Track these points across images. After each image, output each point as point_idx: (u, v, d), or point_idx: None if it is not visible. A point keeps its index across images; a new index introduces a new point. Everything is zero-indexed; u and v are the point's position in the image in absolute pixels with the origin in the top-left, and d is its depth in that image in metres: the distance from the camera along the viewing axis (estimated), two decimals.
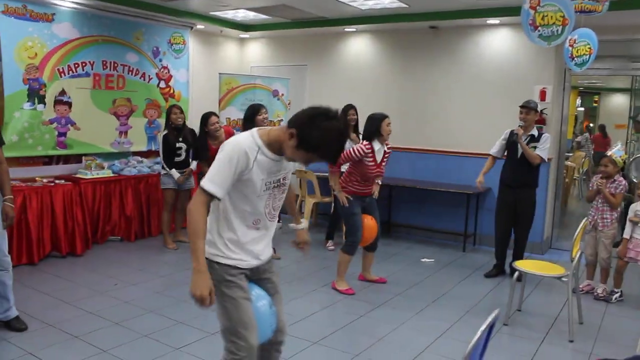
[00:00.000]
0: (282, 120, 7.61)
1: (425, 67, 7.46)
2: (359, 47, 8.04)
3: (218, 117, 6.34)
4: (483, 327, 2.22)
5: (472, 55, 7.12)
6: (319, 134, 2.31)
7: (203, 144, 6.16)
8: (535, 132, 5.56)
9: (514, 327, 4.48)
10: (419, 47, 7.50)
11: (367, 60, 7.97)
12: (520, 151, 5.51)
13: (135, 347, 3.86)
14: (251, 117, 5.67)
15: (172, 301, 4.77)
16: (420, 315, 4.68)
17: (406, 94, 7.59)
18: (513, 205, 5.67)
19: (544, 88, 6.63)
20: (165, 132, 6.35)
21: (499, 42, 6.94)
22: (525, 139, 5.52)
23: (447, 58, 7.29)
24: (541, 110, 6.45)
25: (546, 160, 5.60)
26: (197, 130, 6.37)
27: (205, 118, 6.18)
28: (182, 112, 6.42)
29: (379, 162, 5.11)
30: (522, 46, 6.70)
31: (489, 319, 2.28)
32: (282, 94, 7.63)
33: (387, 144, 5.22)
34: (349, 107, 6.53)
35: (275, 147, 2.46)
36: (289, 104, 7.80)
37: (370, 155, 5.03)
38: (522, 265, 4.55)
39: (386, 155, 5.23)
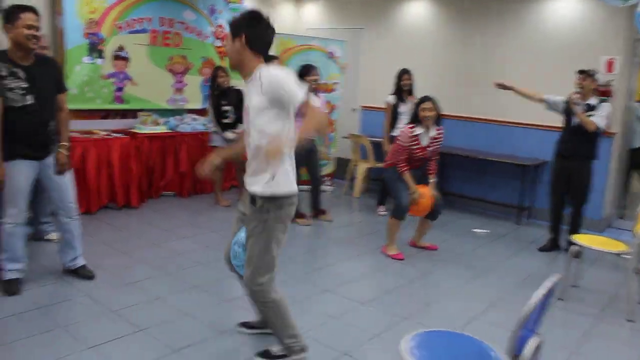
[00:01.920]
0: (336, 82, 7.52)
1: (485, 34, 7.19)
2: (417, 11, 7.83)
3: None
4: (541, 291, 2.15)
5: (534, 23, 6.81)
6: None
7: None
8: (593, 101, 5.23)
9: (569, 302, 4.33)
10: (479, 13, 7.23)
11: (424, 25, 7.76)
12: (576, 120, 5.20)
13: (186, 296, 3.93)
14: (301, 77, 5.62)
15: (221, 255, 4.82)
16: (471, 284, 4.60)
17: (463, 61, 7.38)
18: (567, 177, 5.41)
19: (611, 59, 6.30)
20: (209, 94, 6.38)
21: (564, 9, 6.60)
22: (582, 108, 5.22)
23: (508, 25, 7.00)
24: (608, 82, 6.16)
25: (603, 127, 5.15)
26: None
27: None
28: (227, 74, 6.40)
29: (425, 145, 5.00)
30: (589, 13, 6.36)
31: (548, 284, 2.21)
32: (338, 57, 7.53)
33: (438, 130, 5.06)
34: (403, 72, 6.39)
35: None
36: (344, 67, 7.69)
37: (414, 141, 4.96)
38: (580, 239, 4.40)
39: (434, 140, 5.07)
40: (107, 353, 3.08)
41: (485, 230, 6.24)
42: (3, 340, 3.13)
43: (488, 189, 7.25)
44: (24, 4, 3.60)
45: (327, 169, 7.71)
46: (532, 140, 6.80)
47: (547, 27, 6.72)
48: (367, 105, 8.34)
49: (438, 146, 5.14)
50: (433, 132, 5.01)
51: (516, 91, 5.56)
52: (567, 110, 5.32)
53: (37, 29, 3.58)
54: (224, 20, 7.49)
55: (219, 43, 7.50)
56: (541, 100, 5.52)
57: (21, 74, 3.60)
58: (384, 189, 6.77)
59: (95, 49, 6.19)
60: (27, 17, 3.52)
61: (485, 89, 6.91)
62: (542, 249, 5.65)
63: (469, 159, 7.07)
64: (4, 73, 3.54)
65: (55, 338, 3.21)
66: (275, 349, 3.07)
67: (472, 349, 2.34)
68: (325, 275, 4.56)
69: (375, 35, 8.23)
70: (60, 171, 3.88)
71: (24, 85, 3.60)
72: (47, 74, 3.77)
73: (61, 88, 3.91)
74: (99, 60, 6.24)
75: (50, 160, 3.85)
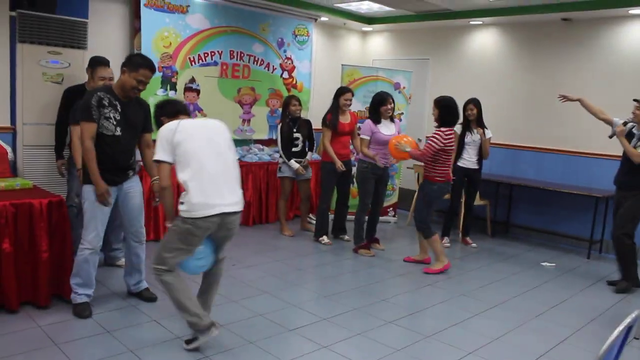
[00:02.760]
0: (402, 113, 7.50)
1: (556, 62, 7.04)
2: (484, 40, 7.76)
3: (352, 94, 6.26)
4: (620, 328, 2.03)
5: (608, 49, 6.62)
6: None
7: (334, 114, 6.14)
8: None
9: None
10: (549, 40, 7.10)
11: (492, 54, 7.67)
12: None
13: (250, 324, 3.94)
14: (377, 106, 5.70)
15: (287, 285, 4.85)
16: (539, 319, 4.42)
17: (534, 90, 7.22)
18: (621, 207, 5.23)
19: None
20: (281, 122, 6.48)
21: (638, 31, 6.39)
22: (637, 139, 5.02)
23: (581, 52, 6.83)
24: None
25: None
26: (316, 119, 6.44)
27: (340, 92, 6.18)
28: (300, 103, 6.50)
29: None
30: None
31: (626, 321, 2.09)
32: (404, 87, 7.52)
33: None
34: (468, 102, 6.30)
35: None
36: (409, 97, 7.67)
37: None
38: None
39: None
40: None
41: (552, 264, 6.00)
42: None
43: (557, 221, 7.02)
44: (150, 59, 3.95)
45: (391, 199, 7.65)
46: (604, 171, 6.53)
47: (622, 53, 6.52)
48: None
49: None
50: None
51: (583, 104, 5.39)
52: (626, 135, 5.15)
53: (145, 84, 3.90)
54: (291, 52, 7.65)
55: (286, 75, 7.66)
56: (607, 121, 5.30)
57: (119, 107, 3.85)
58: (447, 220, 6.64)
59: (168, 81, 6.43)
60: (143, 73, 3.83)
61: (557, 118, 6.75)
62: (610, 283, 5.43)
63: (537, 190, 6.88)
64: (105, 102, 3.79)
65: None
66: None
67: None
68: (388, 307, 4.48)
69: (441, 65, 8.20)
70: (154, 199, 4.12)
71: (118, 117, 3.84)
72: (138, 113, 4.03)
73: (148, 127, 4.15)
74: (171, 93, 6.48)
75: (128, 185, 4.04)
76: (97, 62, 4.82)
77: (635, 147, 5.00)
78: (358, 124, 6.29)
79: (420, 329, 4.05)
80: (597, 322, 4.42)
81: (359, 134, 5.93)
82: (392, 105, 5.85)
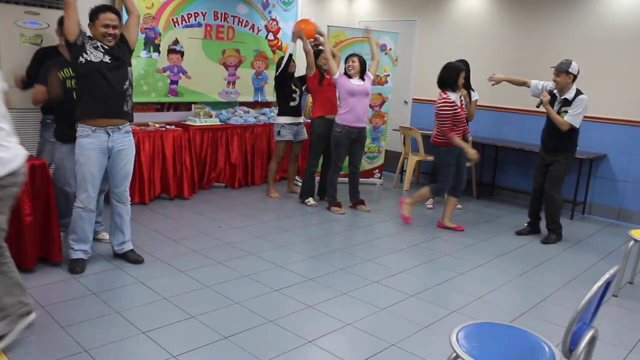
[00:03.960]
0: (388, 75, 7.46)
1: (542, 25, 6.99)
2: (471, 2, 7.67)
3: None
4: (599, 284, 2.07)
5: (596, 12, 6.57)
6: None
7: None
8: (571, 95, 5.21)
9: (624, 299, 4.20)
10: (537, 2, 7.03)
11: (480, 15, 7.60)
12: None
13: (236, 284, 3.98)
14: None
15: (273, 246, 4.88)
16: (521, 278, 4.50)
17: (521, 52, 7.19)
18: (546, 168, 5.50)
19: None
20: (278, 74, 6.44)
21: None
22: (558, 103, 5.29)
23: (569, 14, 6.78)
24: None
25: (577, 127, 5.23)
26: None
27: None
28: (295, 63, 6.53)
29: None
30: None
31: (605, 277, 2.13)
32: (390, 49, 7.46)
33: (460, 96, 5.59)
34: None
35: None
36: (396, 59, 7.62)
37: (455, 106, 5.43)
38: (637, 234, 4.24)
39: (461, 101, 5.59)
40: (159, 338, 3.14)
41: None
42: (60, 322, 3.24)
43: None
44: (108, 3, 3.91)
45: (377, 161, 7.66)
46: (594, 133, 6.57)
47: (609, 16, 6.48)
48: (419, 97, 8.24)
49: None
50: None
51: (508, 81, 5.77)
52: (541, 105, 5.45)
53: (114, 27, 3.89)
54: (276, 13, 7.54)
55: (271, 37, 7.56)
56: (525, 84, 5.68)
57: (102, 48, 3.90)
58: (433, 181, 6.67)
59: (151, 43, 6.33)
60: (103, 17, 3.85)
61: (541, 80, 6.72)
62: (519, 233, 5.78)
63: (522, 152, 6.94)
64: (87, 40, 3.88)
65: (111, 322, 3.31)
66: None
67: (524, 342, 2.28)
68: (373, 267, 4.53)
69: (428, 27, 8.13)
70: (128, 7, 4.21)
71: (105, 49, 3.91)
72: (123, 50, 4.08)
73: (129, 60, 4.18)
74: (154, 55, 6.38)
75: (120, 144, 4.04)
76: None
77: (558, 112, 5.27)
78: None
79: (404, 288, 4.11)
80: (578, 280, 4.51)
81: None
82: (356, 63, 5.95)
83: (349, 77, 5.93)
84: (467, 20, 7.73)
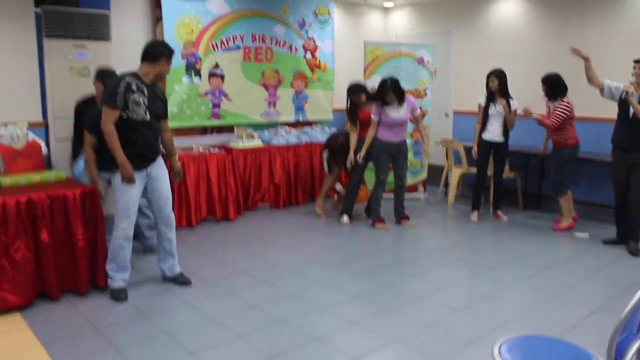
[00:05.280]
0: (427, 88, 7.45)
1: (581, 29, 6.86)
2: (508, 9, 7.61)
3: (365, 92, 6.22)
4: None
5: (633, 13, 6.42)
6: None
7: (353, 112, 6.22)
8: None
9: None
10: (573, 6, 6.92)
11: (517, 22, 7.53)
12: (631, 111, 5.10)
13: (281, 303, 4.02)
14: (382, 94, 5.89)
15: (316, 264, 4.91)
16: (570, 290, 4.39)
17: (559, 58, 7.04)
18: (627, 169, 5.29)
19: None
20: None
21: None
22: (638, 97, 5.09)
23: (605, 17, 6.65)
24: None
25: None
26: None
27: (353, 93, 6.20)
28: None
29: None
30: None
31: None
32: (428, 61, 7.45)
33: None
34: (490, 74, 6.17)
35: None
36: (435, 71, 7.60)
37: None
38: None
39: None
40: (206, 358, 3.21)
41: (585, 234, 5.93)
42: (112, 344, 3.35)
43: (594, 190, 6.89)
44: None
45: (421, 175, 7.63)
46: None
47: None
48: (460, 109, 8.19)
49: None
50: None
51: (587, 65, 5.42)
52: (621, 101, 5.24)
53: None
54: (313, 32, 7.64)
55: (309, 55, 7.66)
56: (600, 85, 5.40)
57: (146, 92, 3.93)
58: (475, 194, 6.60)
59: (192, 68, 6.50)
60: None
61: (581, 86, 6.59)
62: (605, 242, 5.61)
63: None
64: (134, 87, 3.86)
65: (159, 344, 3.39)
66: None
67: (570, 354, 2.23)
68: (418, 282, 4.51)
69: (466, 37, 8.10)
70: (178, 179, 4.39)
71: (147, 102, 3.92)
72: (159, 98, 4.13)
73: (166, 113, 4.25)
74: (196, 79, 6.55)
75: (155, 171, 4.12)
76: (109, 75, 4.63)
77: None
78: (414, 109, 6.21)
79: (449, 303, 4.07)
80: (632, 290, 4.37)
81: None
82: (392, 93, 5.83)
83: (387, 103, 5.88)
84: (503, 27, 7.66)
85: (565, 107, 5.82)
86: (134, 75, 3.93)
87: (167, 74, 4.16)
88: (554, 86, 5.91)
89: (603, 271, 4.85)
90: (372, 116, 5.93)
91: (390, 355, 3.31)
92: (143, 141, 3.98)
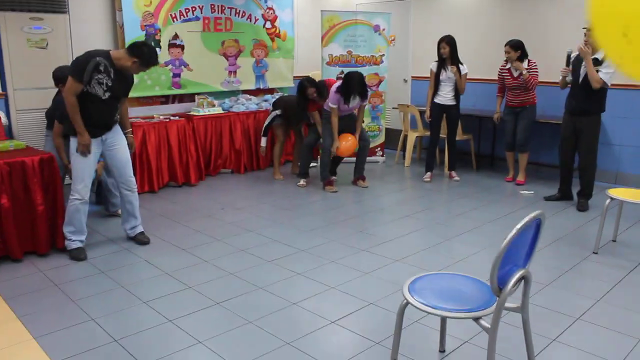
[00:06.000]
0: (383, 55, 7.67)
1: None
2: None
3: (314, 88, 6.38)
4: (518, 226, 2.33)
5: None
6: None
7: (303, 106, 6.48)
8: (601, 55, 5.22)
9: (604, 255, 4.38)
10: None
11: None
12: (581, 76, 5.37)
13: (232, 258, 4.31)
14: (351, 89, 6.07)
15: (270, 223, 5.19)
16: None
17: (512, 23, 7.28)
18: (576, 133, 5.58)
19: None
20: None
21: None
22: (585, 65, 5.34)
23: None
24: None
25: (609, 85, 5.28)
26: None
27: (303, 89, 6.39)
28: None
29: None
30: None
31: (525, 220, 2.38)
32: (384, 29, 7.66)
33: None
34: (440, 40, 6.40)
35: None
36: (392, 39, 7.81)
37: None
38: (615, 192, 4.41)
39: None
40: (158, 306, 3.48)
41: (531, 192, 6.27)
42: (72, 298, 3.61)
43: (542, 151, 7.20)
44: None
45: (378, 139, 7.90)
46: None
47: None
48: (418, 75, 8.43)
49: None
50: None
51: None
52: (574, 65, 5.48)
53: None
54: (272, 2, 7.79)
55: (269, 25, 7.82)
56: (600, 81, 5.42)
57: (112, 74, 4.14)
58: (429, 156, 6.89)
59: (152, 39, 6.65)
60: (148, 70, 4.41)
61: (529, 50, 6.86)
62: (548, 198, 5.96)
63: None
64: (101, 68, 4.06)
65: (115, 295, 3.66)
66: None
67: (465, 283, 2.57)
68: (364, 237, 4.82)
69: (424, 5, 8.28)
70: (132, 152, 4.54)
71: (110, 84, 4.14)
72: (126, 82, 4.36)
73: (127, 93, 4.49)
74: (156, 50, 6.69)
75: (111, 139, 4.35)
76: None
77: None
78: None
79: (391, 255, 4.38)
80: (563, 241, 4.71)
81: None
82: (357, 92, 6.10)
83: (347, 100, 6.09)
84: None
85: (536, 67, 6.27)
86: (106, 55, 4.13)
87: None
88: (523, 49, 6.25)
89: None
90: (331, 105, 6.08)
91: (326, 299, 3.61)
92: (98, 115, 4.21)
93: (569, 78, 5.59)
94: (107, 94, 4.15)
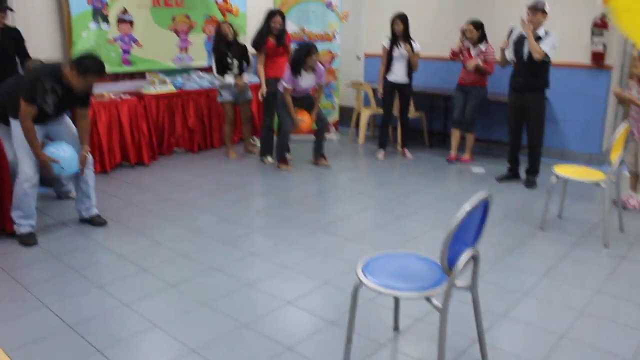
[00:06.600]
0: (335, 31, 7.66)
1: None
2: None
3: (283, 18, 6.45)
4: (467, 206, 2.41)
5: None
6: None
7: (261, 37, 6.41)
8: (541, 32, 5.42)
9: (550, 231, 4.56)
10: None
11: None
12: (525, 54, 5.49)
13: (187, 239, 4.31)
14: (303, 58, 5.98)
15: (224, 203, 5.19)
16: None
17: (465, 4, 7.35)
18: (522, 110, 5.71)
19: None
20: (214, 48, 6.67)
21: None
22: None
23: None
24: (603, 15, 6.18)
25: (551, 58, 5.43)
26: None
27: (271, 15, 6.38)
28: (231, 27, 6.64)
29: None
30: None
31: (475, 200, 2.45)
32: (336, 5, 7.64)
33: None
34: (394, 18, 6.45)
35: None
36: (345, 15, 7.80)
37: None
38: (560, 170, 4.55)
39: None
40: (112, 290, 3.47)
41: (481, 169, 6.43)
42: (22, 284, 3.55)
43: (493, 129, 7.35)
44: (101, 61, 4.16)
45: (331, 117, 7.93)
46: None
47: None
48: (372, 52, 8.46)
49: None
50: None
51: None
52: (517, 43, 5.61)
53: (92, 87, 4.39)
54: None
55: (221, 0, 7.69)
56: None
57: (59, 92, 4.08)
58: (382, 134, 6.98)
59: (99, 13, 6.45)
60: (91, 79, 4.12)
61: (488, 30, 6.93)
62: (500, 179, 6.02)
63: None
64: (48, 89, 4.02)
65: (68, 279, 3.62)
66: None
67: (416, 262, 2.66)
68: (317, 215, 4.87)
69: None
70: (82, 168, 4.43)
71: (57, 101, 4.10)
72: (78, 97, 4.26)
73: (85, 104, 4.41)
74: (104, 25, 6.52)
75: (57, 127, 4.32)
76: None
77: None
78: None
79: (345, 233, 4.46)
80: (510, 218, 4.87)
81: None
82: (317, 56, 6.06)
83: (298, 73, 6.04)
84: None
85: (494, 54, 6.25)
86: (55, 73, 4.06)
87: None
88: (483, 30, 6.31)
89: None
90: (285, 84, 6.07)
91: (281, 279, 3.66)
92: (42, 123, 4.22)
93: (510, 56, 5.72)
94: (54, 109, 4.16)
